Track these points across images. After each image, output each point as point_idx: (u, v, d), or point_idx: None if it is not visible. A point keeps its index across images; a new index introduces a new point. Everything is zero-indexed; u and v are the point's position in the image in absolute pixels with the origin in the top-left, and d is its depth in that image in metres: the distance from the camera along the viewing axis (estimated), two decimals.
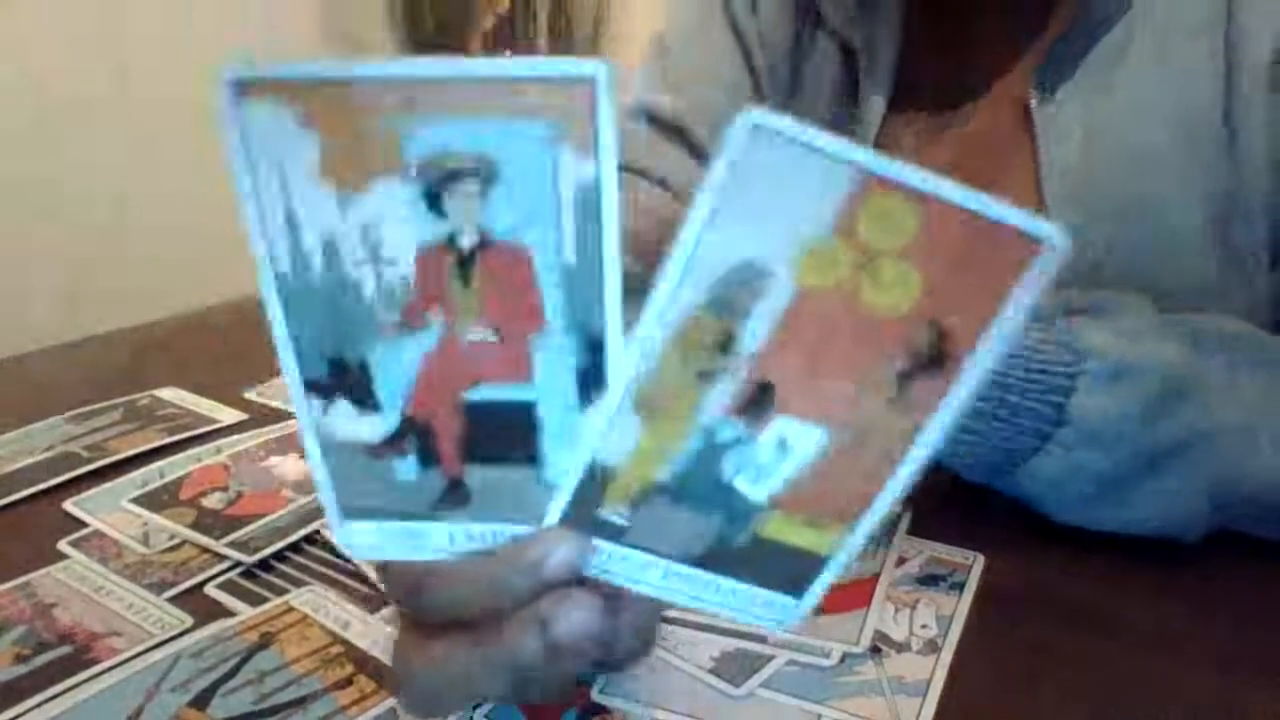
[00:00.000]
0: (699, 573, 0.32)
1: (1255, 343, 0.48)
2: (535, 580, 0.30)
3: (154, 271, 1.74)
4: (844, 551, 0.32)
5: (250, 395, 0.69)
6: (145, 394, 0.69)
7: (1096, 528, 0.47)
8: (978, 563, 0.46)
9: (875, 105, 0.66)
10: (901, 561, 0.47)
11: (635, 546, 0.31)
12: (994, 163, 0.62)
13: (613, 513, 0.31)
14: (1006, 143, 0.61)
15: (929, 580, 0.45)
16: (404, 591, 0.32)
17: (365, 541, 0.32)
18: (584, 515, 0.31)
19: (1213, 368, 0.45)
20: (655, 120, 0.73)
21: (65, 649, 0.42)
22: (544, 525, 0.31)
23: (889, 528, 0.49)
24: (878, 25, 0.66)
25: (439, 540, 0.32)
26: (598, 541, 0.31)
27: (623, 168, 0.73)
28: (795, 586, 0.32)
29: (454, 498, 0.31)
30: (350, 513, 0.32)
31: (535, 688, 0.32)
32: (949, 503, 0.50)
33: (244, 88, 0.27)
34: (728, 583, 0.32)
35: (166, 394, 0.70)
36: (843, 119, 0.67)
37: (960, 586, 0.45)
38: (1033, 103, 0.59)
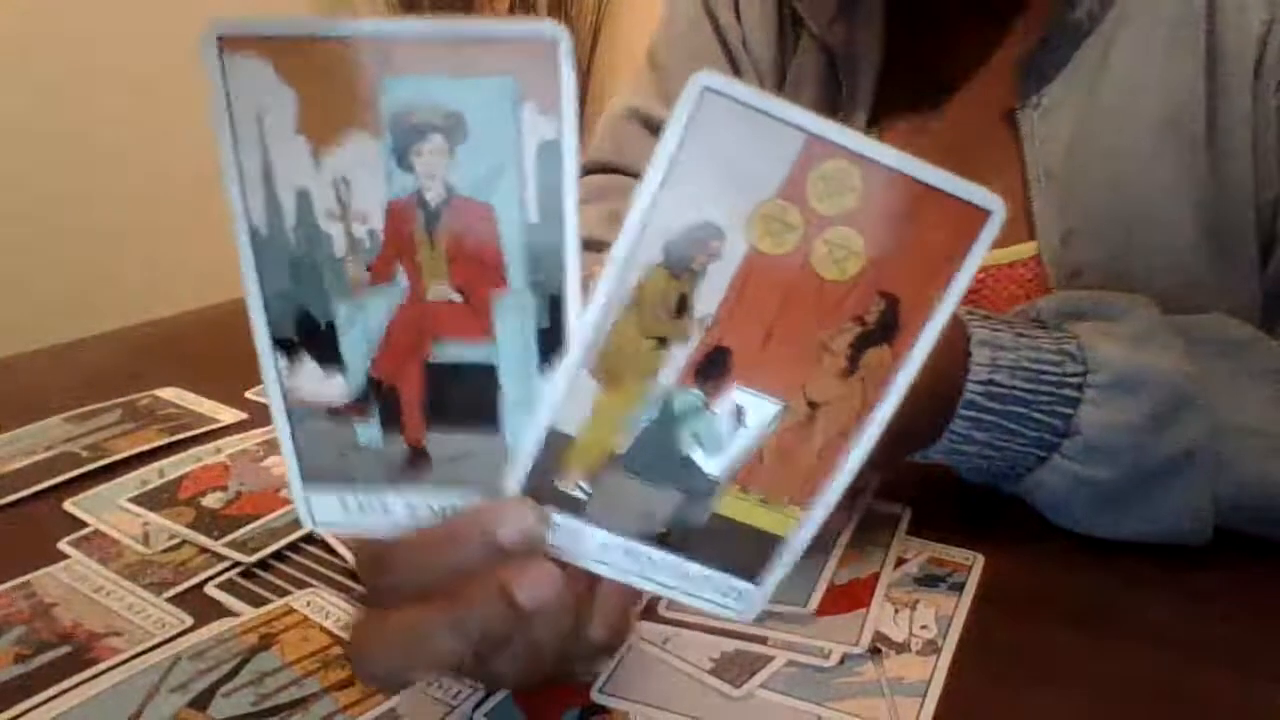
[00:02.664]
0: (658, 553, 0.32)
1: (1262, 350, 0.48)
2: (491, 550, 0.30)
3: (154, 271, 1.74)
4: (800, 535, 0.32)
5: (251, 395, 0.69)
6: (145, 394, 0.69)
7: (1102, 535, 0.47)
8: (978, 563, 0.46)
9: (856, 121, 0.66)
10: (901, 561, 0.47)
11: (595, 523, 0.32)
12: (979, 167, 0.61)
13: (573, 485, 0.31)
14: (990, 148, 0.61)
15: (929, 580, 0.45)
16: (369, 566, 0.32)
17: (327, 516, 0.32)
18: (544, 486, 0.31)
19: (1218, 376, 0.45)
20: (645, 123, 0.75)
21: (65, 649, 0.42)
22: (503, 495, 0.31)
23: (889, 528, 0.49)
24: (858, 34, 0.66)
25: (399, 512, 0.32)
26: (557, 516, 0.31)
27: (613, 168, 0.75)
28: (754, 571, 0.33)
29: (415, 465, 0.32)
30: (312, 480, 0.32)
31: (504, 659, 0.32)
32: (949, 503, 0.50)
33: (227, 43, 0.28)
34: (686, 565, 0.32)
35: (166, 394, 0.69)
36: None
37: (960, 587, 0.45)
38: (1017, 108, 0.59)
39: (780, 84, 0.71)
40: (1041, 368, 0.44)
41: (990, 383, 0.44)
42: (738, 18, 0.73)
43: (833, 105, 0.68)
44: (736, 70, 0.73)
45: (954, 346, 0.44)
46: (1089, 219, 0.57)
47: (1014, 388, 0.44)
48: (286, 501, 0.53)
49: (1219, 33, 0.54)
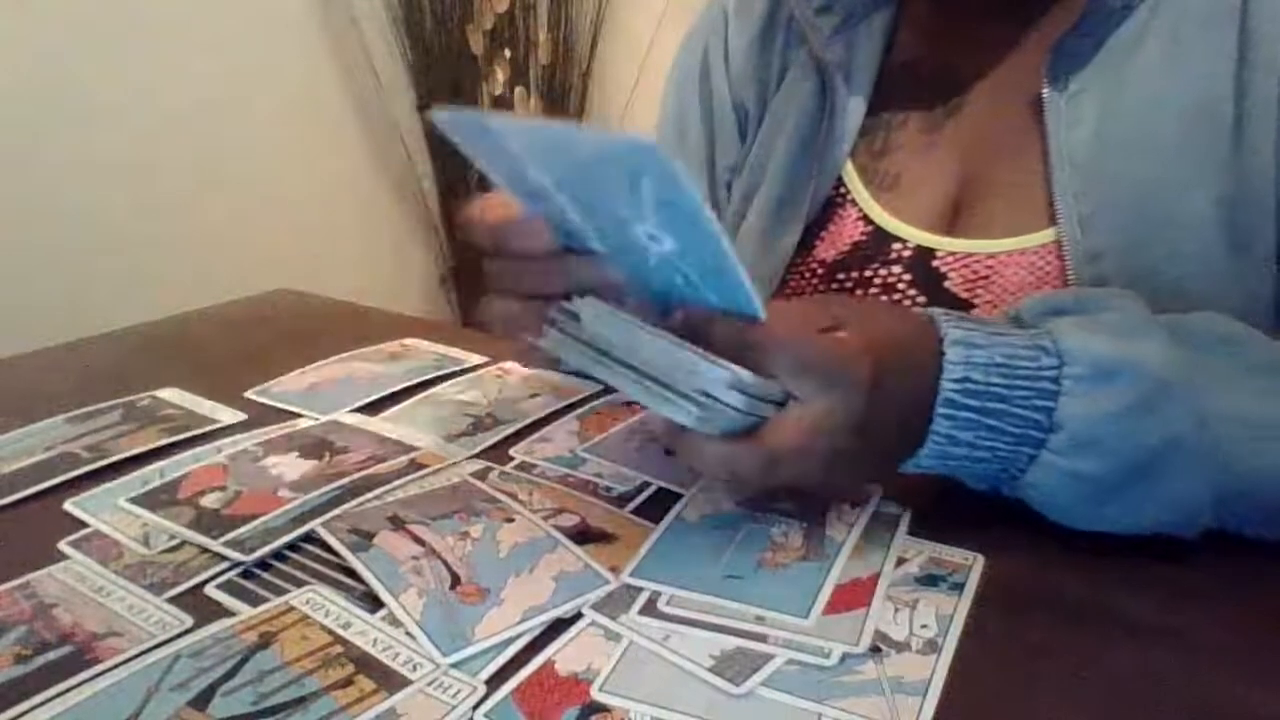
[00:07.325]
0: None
1: (1254, 344, 0.48)
2: None
3: (154, 272, 1.74)
4: None
5: (251, 395, 0.69)
6: (145, 394, 0.69)
7: (1101, 529, 0.47)
8: (978, 563, 0.46)
9: (854, 110, 0.67)
10: (901, 561, 0.47)
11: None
12: (1001, 153, 0.62)
13: None
14: (1015, 134, 0.61)
15: (929, 580, 0.45)
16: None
17: None
18: None
19: (1206, 366, 0.45)
20: None
21: (65, 649, 0.42)
22: None
23: (890, 528, 0.49)
24: (857, 51, 0.67)
25: None
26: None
27: None
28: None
29: None
30: None
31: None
32: (949, 503, 0.50)
33: None
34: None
35: (166, 394, 0.69)
36: (817, 128, 0.69)
37: (960, 586, 0.45)
38: (1045, 93, 0.59)
39: (779, 81, 0.73)
40: (1015, 363, 0.44)
41: (966, 380, 0.44)
42: (727, 66, 0.77)
43: (822, 119, 0.69)
44: (711, 130, 0.79)
45: (928, 347, 0.44)
46: (1111, 205, 0.57)
47: (990, 384, 0.44)
48: (285, 501, 0.53)
49: (1251, 28, 0.54)
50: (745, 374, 0.41)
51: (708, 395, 0.41)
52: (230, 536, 0.49)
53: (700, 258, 0.41)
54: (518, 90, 2.11)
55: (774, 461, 0.43)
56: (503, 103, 2.10)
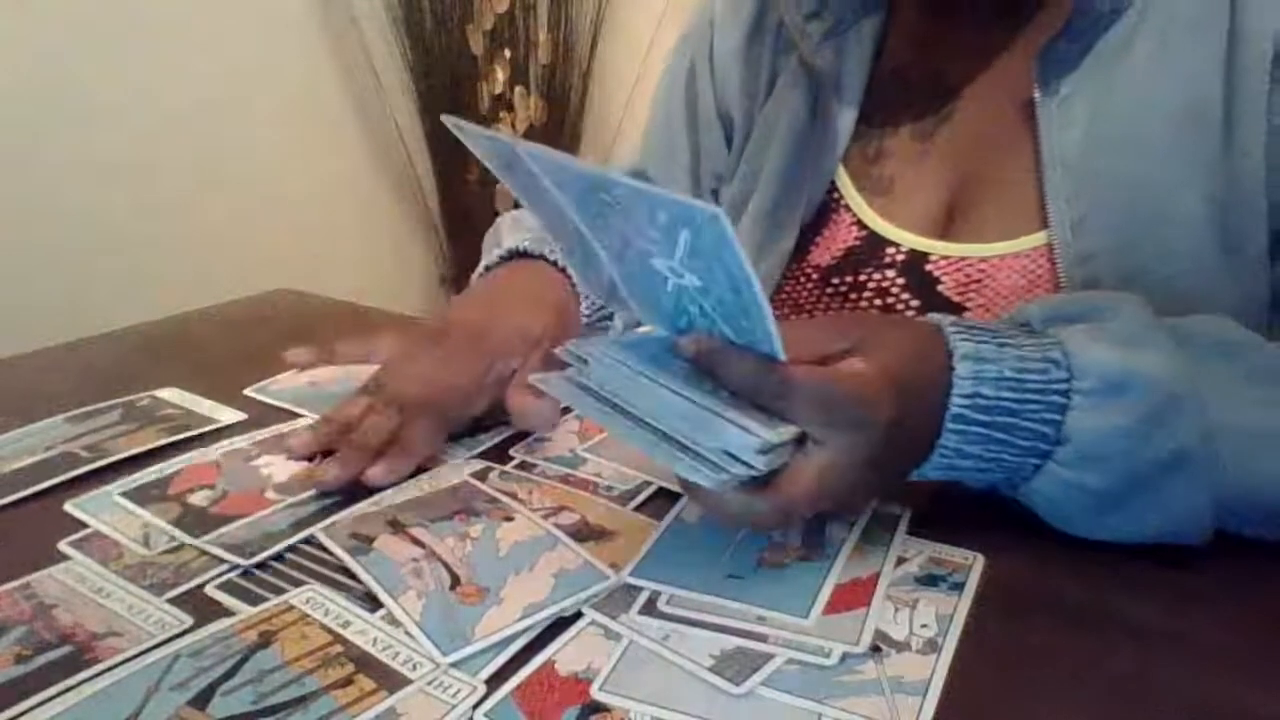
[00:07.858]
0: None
1: (1257, 351, 0.48)
2: None
3: (153, 271, 1.74)
4: None
5: (250, 394, 0.69)
6: (145, 394, 0.69)
7: (1102, 538, 0.47)
8: (978, 563, 0.46)
9: (845, 116, 0.67)
10: (901, 561, 0.47)
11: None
12: (993, 158, 0.62)
13: None
14: (1006, 138, 0.61)
15: (929, 580, 0.45)
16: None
17: None
18: None
19: (1211, 376, 0.45)
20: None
21: (65, 649, 0.42)
22: None
23: (890, 528, 0.49)
24: (847, 58, 0.67)
25: None
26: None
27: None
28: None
29: None
30: None
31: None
32: (949, 503, 0.50)
33: None
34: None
35: (166, 394, 0.69)
36: (809, 134, 0.69)
37: (960, 586, 0.45)
38: (1036, 97, 0.59)
39: (769, 90, 0.73)
40: (1026, 377, 0.44)
41: (976, 395, 0.44)
42: (712, 74, 0.77)
43: (814, 125, 0.69)
44: (696, 139, 0.79)
45: (937, 362, 0.44)
46: (1102, 207, 0.57)
47: (1000, 399, 0.44)
48: (270, 501, 0.53)
49: (1239, 29, 0.54)
50: (772, 436, 0.40)
51: (728, 454, 0.40)
52: (230, 540, 0.49)
53: (723, 298, 0.39)
54: (518, 90, 2.11)
55: (793, 507, 0.42)
56: (503, 103, 2.11)
